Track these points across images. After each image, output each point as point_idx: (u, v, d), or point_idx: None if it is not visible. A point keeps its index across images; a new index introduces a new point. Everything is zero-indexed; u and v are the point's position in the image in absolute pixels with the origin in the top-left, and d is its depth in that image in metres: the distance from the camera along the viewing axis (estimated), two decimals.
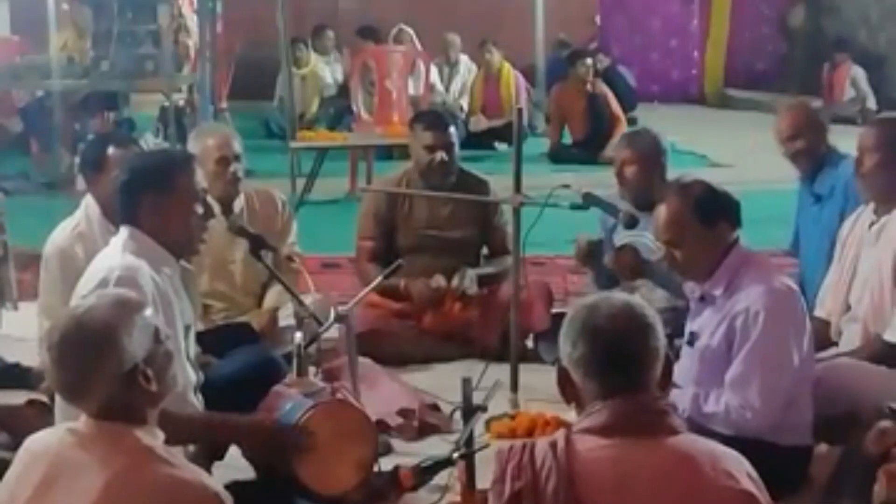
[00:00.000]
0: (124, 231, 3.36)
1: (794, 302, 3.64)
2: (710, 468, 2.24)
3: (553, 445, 2.28)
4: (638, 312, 2.34)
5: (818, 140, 4.87)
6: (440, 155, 5.25)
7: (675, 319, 4.01)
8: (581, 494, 2.22)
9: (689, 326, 3.76)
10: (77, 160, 9.09)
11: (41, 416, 3.62)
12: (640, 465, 2.23)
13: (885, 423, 3.11)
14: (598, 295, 2.44)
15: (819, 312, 4.27)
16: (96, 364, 2.32)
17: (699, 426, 3.54)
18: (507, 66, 11.80)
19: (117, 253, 3.29)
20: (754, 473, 2.31)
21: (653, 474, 2.22)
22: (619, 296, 2.42)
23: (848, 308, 4.13)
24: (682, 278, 3.82)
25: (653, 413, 2.30)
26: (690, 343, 3.72)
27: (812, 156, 4.84)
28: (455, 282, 5.20)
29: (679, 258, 3.67)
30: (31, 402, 3.86)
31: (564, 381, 2.37)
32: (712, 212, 3.63)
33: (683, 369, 3.65)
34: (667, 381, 2.38)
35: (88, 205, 4.16)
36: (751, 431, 3.48)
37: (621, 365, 2.30)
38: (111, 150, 4.13)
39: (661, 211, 3.69)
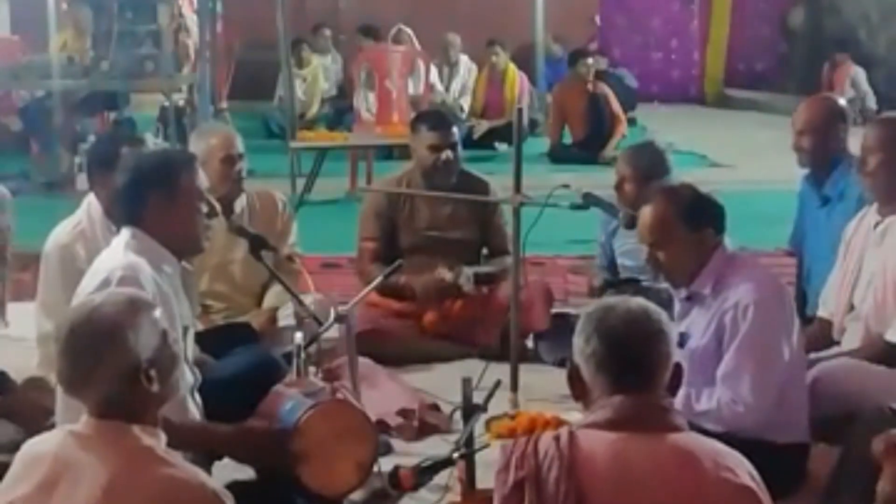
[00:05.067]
0: (126, 232, 3.35)
1: (782, 296, 3.66)
2: (711, 463, 2.30)
3: (556, 438, 2.34)
4: (653, 318, 2.42)
5: (828, 140, 4.66)
6: (445, 154, 5.24)
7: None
8: (582, 485, 2.27)
9: (678, 327, 3.72)
10: (77, 160, 9.21)
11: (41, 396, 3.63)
12: (641, 459, 2.29)
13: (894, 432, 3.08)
14: (617, 297, 2.52)
15: (822, 312, 4.26)
16: (101, 359, 2.33)
17: (693, 426, 3.53)
18: (511, 66, 11.79)
19: (119, 253, 3.28)
20: (755, 473, 2.35)
21: (653, 467, 2.28)
22: (636, 300, 2.48)
23: (852, 308, 4.12)
24: (665, 282, 3.81)
25: (655, 409, 2.37)
26: (681, 344, 3.69)
27: (817, 155, 4.65)
28: (452, 278, 5.18)
29: (662, 260, 3.67)
30: (31, 380, 3.87)
31: (575, 377, 2.44)
32: (699, 217, 3.63)
33: None
34: (675, 386, 2.44)
35: (91, 204, 4.13)
36: (743, 427, 3.47)
37: (631, 365, 2.37)
38: (125, 149, 4.06)
39: (647, 213, 3.68)
